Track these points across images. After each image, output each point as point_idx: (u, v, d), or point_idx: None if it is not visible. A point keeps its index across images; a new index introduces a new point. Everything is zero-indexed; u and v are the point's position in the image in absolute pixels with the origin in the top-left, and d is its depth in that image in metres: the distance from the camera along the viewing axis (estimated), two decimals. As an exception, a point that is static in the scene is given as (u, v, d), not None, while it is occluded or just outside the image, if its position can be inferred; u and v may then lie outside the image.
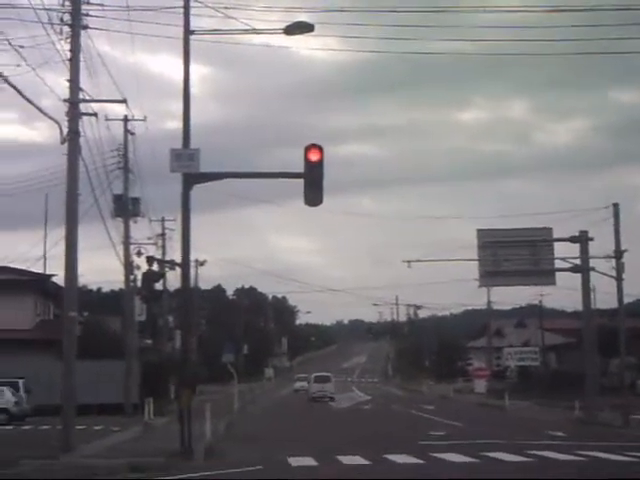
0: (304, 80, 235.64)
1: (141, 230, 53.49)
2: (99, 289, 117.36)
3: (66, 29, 24.33)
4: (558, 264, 43.72)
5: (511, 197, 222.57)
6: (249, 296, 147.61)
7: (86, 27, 24.95)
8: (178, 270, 35.38)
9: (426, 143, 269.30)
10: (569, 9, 27.22)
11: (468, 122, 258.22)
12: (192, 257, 30.82)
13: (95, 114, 26.14)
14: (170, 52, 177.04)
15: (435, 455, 22.79)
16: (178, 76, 25.04)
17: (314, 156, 23.40)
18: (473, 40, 32.14)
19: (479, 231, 43.84)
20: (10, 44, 22.05)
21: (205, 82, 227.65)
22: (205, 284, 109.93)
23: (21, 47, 22.53)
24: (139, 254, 50.26)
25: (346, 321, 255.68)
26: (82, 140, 25.39)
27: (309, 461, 21.94)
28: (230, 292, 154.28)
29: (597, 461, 21.43)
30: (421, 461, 21.56)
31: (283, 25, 24.29)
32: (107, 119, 40.05)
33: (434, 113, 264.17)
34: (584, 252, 42.67)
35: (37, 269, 55.29)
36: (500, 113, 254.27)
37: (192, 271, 62.42)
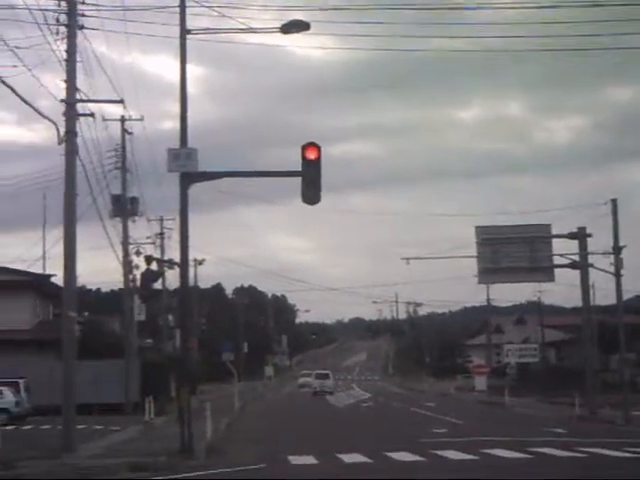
0: (301, 79, 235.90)
1: (139, 230, 53.57)
2: (98, 289, 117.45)
3: (62, 29, 24.34)
4: (557, 260, 43.71)
5: (511, 195, 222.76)
6: (249, 295, 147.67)
7: (82, 27, 24.96)
8: (177, 269, 35.40)
9: (425, 141, 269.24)
10: (566, 5, 27.25)
11: (467, 120, 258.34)
12: (191, 256, 30.88)
13: (92, 114, 26.15)
14: (166, 52, 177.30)
15: (435, 452, 22.80)
16: (175, 76, 25.13)
17: (311, 154, 23.42)
18: (471, 37, 32.21)
19: (477, 228, 43.83)
20: (6, 45, 22.08)
21: (201, 82, 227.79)
22: (204, 283, 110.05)
23: (17, 48, 22.56)
24: (138, 254, 50.33)
25: (346, 319, 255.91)
26: (79, 140, 25.45)
27: (310, 459, 21.97)
28: (229, 291, 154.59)
29: (597, 457, 21.46)
30: (421, 458, 21.58)
31: (279, 24, 24.30)
32: (104, 119, 40.06)
33: (433, 112, 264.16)
34: (583, 248, 42.69)
35: (36, 270, 55.33)
36: (498, 111, 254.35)
37: (191, 270, 62.48)
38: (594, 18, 26.57)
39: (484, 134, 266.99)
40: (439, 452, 22.85)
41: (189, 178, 24.00)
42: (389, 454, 22.52)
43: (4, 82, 21.93)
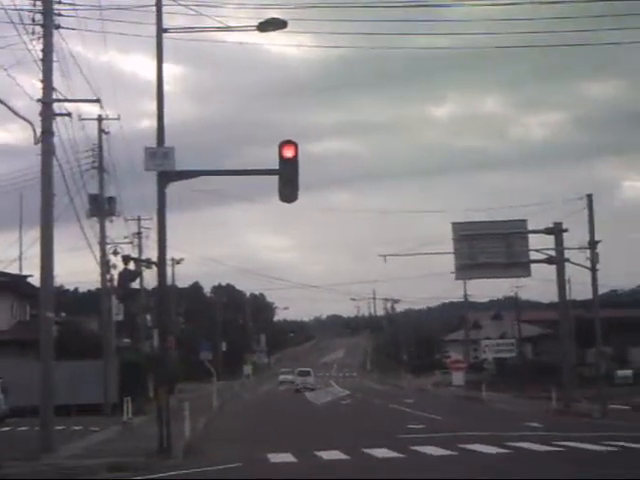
0: (278, 78, 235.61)
1: (117, 229, 53.44)
2: (76, 289, 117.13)
3: (38, 29, 24.26)
4: (533, 256, 43.99)
5: (489, 191, 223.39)
6: (227, 293, 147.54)
7: (58, 27, 24.88)
8: (155, 269, 35.35)
9: (402, 139, 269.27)
10: (543, 2, 27.37)
11: (444, 117, 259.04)
12: (169, 255, 30.90)
13: (69, 114, 26.07)
14: (143, 51, 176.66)
15: (414, 448, 22.89)
16: (151, 75, 25.14)
17: (289, 152, 23.42)
18: (447, 34, 32.37)
19: (454, 224, 44.07)
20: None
21: (178, 81, 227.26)
22: (182, 282, 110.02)
23: (-7, 48, 22.48)
24: (115, 253, 50.19)
25: (324, 317, 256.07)
26: (56, 140, 25.37)
27: (288, 457, 21.99)
28: (208, 290, 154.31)
29: (574, 451, 21.64)
30: (400, 455, 21.65)
31: (255, 22, 24.32)
32: (81, 119, 39.93)
33: (410, 109, 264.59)
34: (559, 243, 42.98)
35: (13, 270, 55.11)
36: (475, 108, 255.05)
37: (169, 269, 62.40)
38: (573, 14, 26.74)
39: (461, 131, 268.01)
40: (418, 448, 22.94)
41: (166, 177, 23.97)
42: (368, 451, 22.59)
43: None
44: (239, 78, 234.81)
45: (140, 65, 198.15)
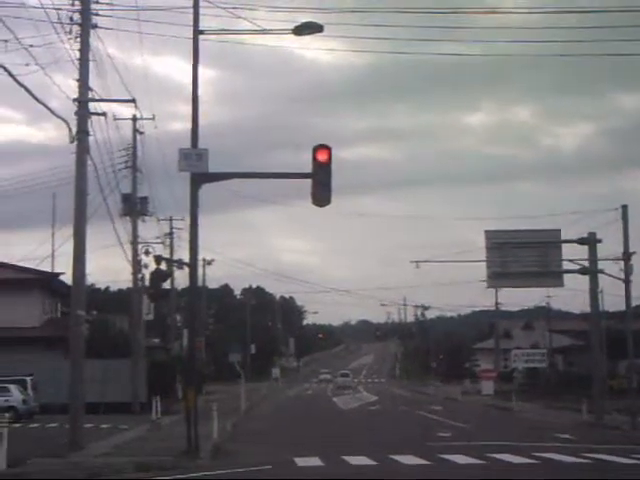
0: (310, 82, 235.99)
1: (149, 229, 53.66)
2: (107, 288, 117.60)
3: (75, 28, 24.40)
4: (566, 266, 43.58)
5: (519, 200, 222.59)
6: (256, 296, 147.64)
7: (95, 26, 25.02)
8: (186, 269, 35.47)
9: (435, 146, 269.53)
10: (575, 11, 27.19)
11: (476, 126, 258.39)
12: (200, 256, 30.90)
13: (104, 113, 26.21)
14: (176, 53, 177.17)
15: (441, 456, 22.78)
16: (184, 77, 25.18)
17: (322, 156, 23.40)
18: (482, 42, 32.23)
19: (487, 232, 43.72)
20: (20, 43, 22.15)
21: (211, 84, 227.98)
22: (213, 283, 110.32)
23: (30, 46, 22.64)
24: (147, 253, 50.36)
25: (354, 322, 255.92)
26: (91, 140, 25.49)
27: (316, 461, 21.96)
28: (237, 292, 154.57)
29: (603, 464, 21.43)
30: (427, 462, 21.56)
31: (288, 26, 24.23)
32: (116, 119, 40.09)
33: (443, 116, 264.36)
34: (592, 254, 42.53)
35: (45, 268, 55.44)
36: (507, 117, 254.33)
37: (200, 270, 62.61)
38: (603, 24, 26.51)
39: (493, 139, 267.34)
40: (445, 456, 22.83)
41: (199, 178, 23.99)
42: (395, 457, 22.51)
43: (17, 80, 21.98)
44: (271, 82, 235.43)
45: (173, 67, 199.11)
